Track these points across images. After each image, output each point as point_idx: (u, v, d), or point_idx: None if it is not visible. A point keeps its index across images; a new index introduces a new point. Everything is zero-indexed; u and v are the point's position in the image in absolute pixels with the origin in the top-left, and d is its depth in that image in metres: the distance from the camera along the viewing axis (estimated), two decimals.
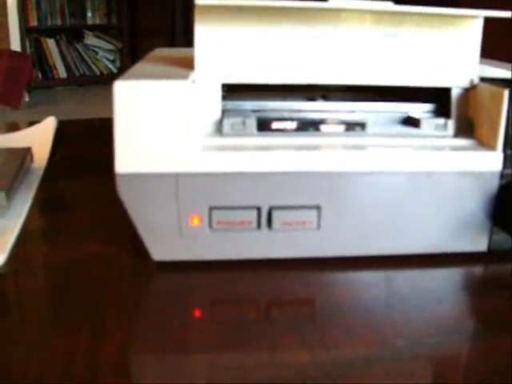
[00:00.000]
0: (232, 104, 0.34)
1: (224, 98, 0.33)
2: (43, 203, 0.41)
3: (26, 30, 3.85)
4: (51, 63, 4.11)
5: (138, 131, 0.29)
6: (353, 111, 0.35)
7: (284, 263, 0.33)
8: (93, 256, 0.33)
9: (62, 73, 4.14)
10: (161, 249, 0.32)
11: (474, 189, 0.33)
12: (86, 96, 3.93)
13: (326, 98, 0.36)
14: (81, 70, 4.23)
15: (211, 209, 0.31)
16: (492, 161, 0.32)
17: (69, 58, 4.18)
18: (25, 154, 0.46)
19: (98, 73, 4.30)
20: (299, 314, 0.28)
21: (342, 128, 0.33)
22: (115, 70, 4.38)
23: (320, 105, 0.35)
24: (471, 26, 0.34)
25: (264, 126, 0.33)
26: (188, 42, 3.78)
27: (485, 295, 0.31)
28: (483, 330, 0.28)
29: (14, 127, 0.67)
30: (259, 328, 0.27)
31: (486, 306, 0.30)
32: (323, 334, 0.27)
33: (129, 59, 4.35)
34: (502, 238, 0.34)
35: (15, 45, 3.70)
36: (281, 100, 0.35)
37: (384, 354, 0.25)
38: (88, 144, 0.59)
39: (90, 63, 4.26)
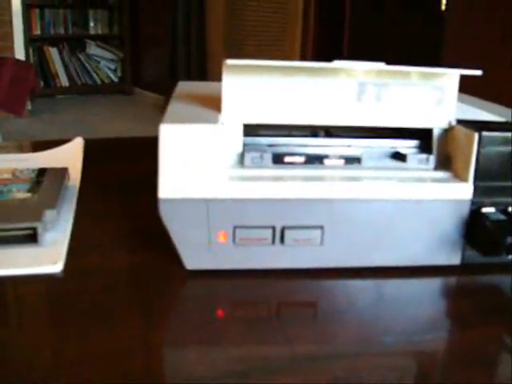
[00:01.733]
0: (251, 140, 0.40)
1: (244, 135, 0.40)
2: (83, 217, 0.47)
3: (29, 39, 3.90)
4: (53, 72, 4.16)
5: (178, 164, 0.36)
6: (350, 146, 0.42)
7: (293, 272, 0.39)
8: (134, 264, 0.40)
9: (63, 81, 4.19)
10: (193, 259, 0.38)
11: (449, 213, 0.39)
12: (88, 105, 3.99)
13: (328, 132, 0.43)
14: (82, 79, 4.28)
15: (235, 228, 0.37)
16: (464, 191, 0.38)
17: (71, 67, 4.23)
18: (64, 173, 0.53)
19: (100, 82, 4.36)
20: (306, 313, 0.35)
21: (341, 162, 0.40)
22: (116, 80, 4.44)
23: (323, 141, 0.41)
24: (449, 79, 0.40)
25: (278, 159, 0.39)
26: (188, 51, 3.84)
27: (456, 300, 0.37)
28: (454, 328, 0.34)
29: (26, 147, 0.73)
30: (274, 325, 0.33)
31: (456, 309, 0.36)
32: (325, 329, 0.33)
33: (130, 69, 4.41)
34: (472, 253, 0.40)
35: (19, 53, 3.74)
36: (291, 136, 0.41)
37: (373, 347, 0.32)
38: (113, 162, 0.65)
39: (92, 72, 4.32)
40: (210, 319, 0.34)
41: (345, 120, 0.40)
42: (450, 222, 0.39)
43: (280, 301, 0.36)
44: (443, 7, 2.22)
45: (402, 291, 0.38)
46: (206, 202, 0.37)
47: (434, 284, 0.39)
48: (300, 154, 0.40)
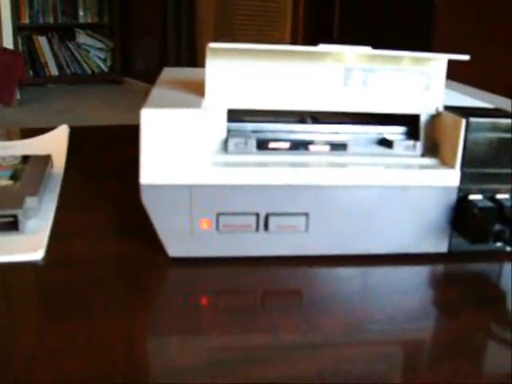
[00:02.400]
0: (235, 126, 0.40)
1: (228, 120, 0.39)
2: (66, 205, 0.46)
3: (17, 28, 3.87)
4: (43, 61, 4.13)
5: (160, 149, 0.35)
6: (336, 132, 0.41)
7: (278, 260, 0.38)
8: (116, 252, 0.39)
9: (53, 71, 4.16)
10: (175, 247, 0.38)
11: (436, 200, 0.39)
12: (77, 94, 3.96)
13: (314, 118, 0.42)
14: (72, 68, 4.25)
15: (218, 214, 0.37)
16: (451, 177, 0.38)
17: (60, 56, 4.20)
18: (47, 160, 0.52)
19: (89, 71, 4.33)
20: (291, 301, 0.34)
21: (327, 148, 0.39)
22: (106, 69, 4.41)
23: (309, 127, 0.41)
24: (436, 65, 0.40)
25: (262, 145, 0.39)
26: (179, 40, 3.82)
27: (443, 288, 0.37)
28: (441, 316, 0.34)
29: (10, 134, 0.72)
30: (259, 313, 0.33)
31: (443, 297, 0.36)
32: (310, 318, 0.32)
33: (120, 58, 4.38)
34: (459, 241, 0.39)
35: (7, 42, 3.72)
36: (276, 122, 0.41)
37: (360, 335, 0.31)
38: (99, 150, 0.64)
39: (82, 62, 4.29)
40: (193, 308, 0.33)
41: (331, 106, 0.40)
42: (437, 209, 0.39)
43: (264, 289, 0.36)
44: None
45: (388, 279, 0.38)
46: (189, 188, 0.36)
47: (421, 272, 0.39)
48: (285, 140, 0.39)
